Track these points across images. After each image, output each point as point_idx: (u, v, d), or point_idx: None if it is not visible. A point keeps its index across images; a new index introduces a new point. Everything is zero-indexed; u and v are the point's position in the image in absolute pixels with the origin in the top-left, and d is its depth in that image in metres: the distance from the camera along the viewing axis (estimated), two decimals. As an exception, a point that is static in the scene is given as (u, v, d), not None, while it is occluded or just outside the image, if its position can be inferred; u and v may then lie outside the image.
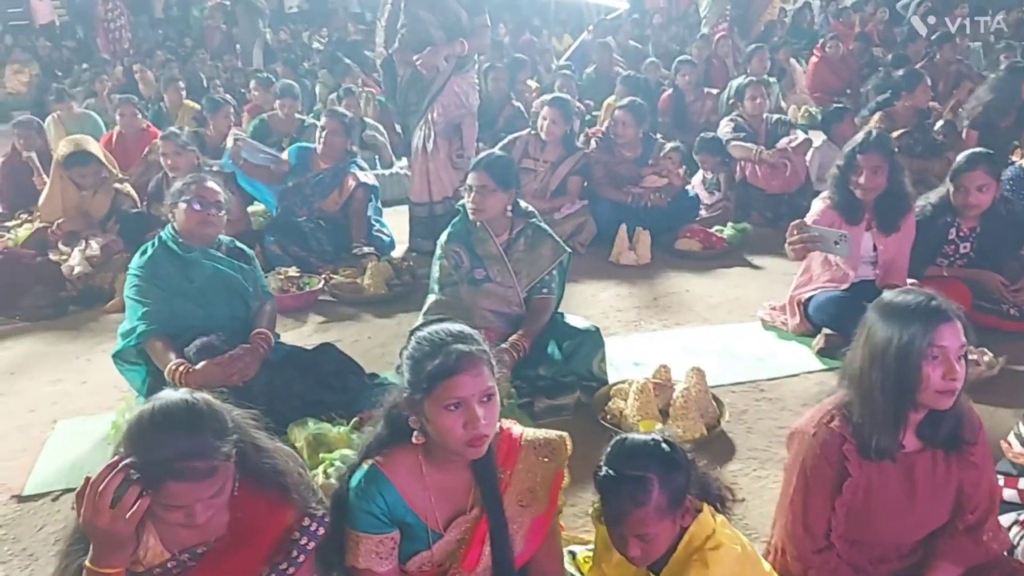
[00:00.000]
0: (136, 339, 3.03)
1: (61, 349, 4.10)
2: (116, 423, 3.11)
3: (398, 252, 5.20)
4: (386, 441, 1.84)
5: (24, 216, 5.57)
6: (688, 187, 5.58)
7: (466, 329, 1.81)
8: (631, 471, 1.73)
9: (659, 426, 2.88)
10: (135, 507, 1.54)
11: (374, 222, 5.24)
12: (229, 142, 5.14)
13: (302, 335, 4.09)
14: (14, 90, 11.82)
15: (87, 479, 1.58)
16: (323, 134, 5.03)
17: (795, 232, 3.33)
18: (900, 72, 6.37)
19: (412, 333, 3.28)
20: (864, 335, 1.87)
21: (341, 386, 3.33)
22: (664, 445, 1.77)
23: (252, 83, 7.93)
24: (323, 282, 4.58)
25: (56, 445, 3.18)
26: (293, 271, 4.62)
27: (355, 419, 3.02)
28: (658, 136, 5.68)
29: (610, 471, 1.75)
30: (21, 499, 2.86)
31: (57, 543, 2.58)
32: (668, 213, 5.25)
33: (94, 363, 3.88)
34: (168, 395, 1.64)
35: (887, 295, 1.89)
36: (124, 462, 1.56)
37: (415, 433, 1.77)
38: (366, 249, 4.94)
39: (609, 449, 1.81)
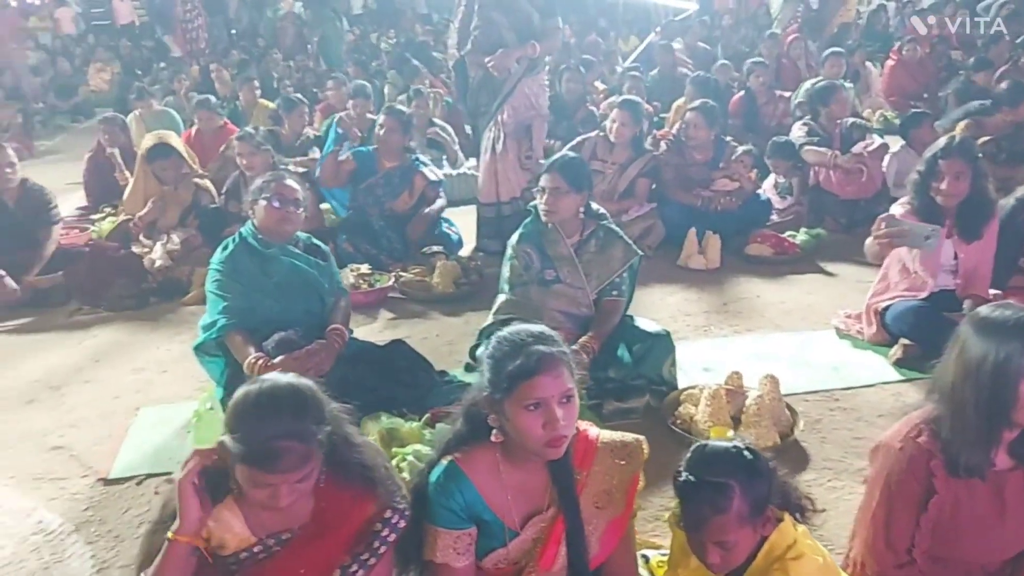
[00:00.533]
0: (217, 333, 3.12)
1: (142, 339, 4.25)
2: (199, 412, 3.22)
3: (465, 252, 5.24)
4: (465, 438, 1.86)
5: (108, 210, 5.79)
6: (759, 191, 5.50)
7: (546, 330, 1.82)
8: (712, 477, 1.72)
9: (731, 433, 2.85)
10: (192, 466, 1.64)
11: (442, 221, 5.31)
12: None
13: (373, 331, 4.16)
14: (97, 88, 12.28)
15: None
16: (381, 132, 5.11)
17: (882, 225, 3.24)
18: (1004, 86, 6.12)
19: (481, 332, 3.39)
20: (957, 349, 1.81)
21: (412, 382, 3.38)
22: (746, 452, 1.76)
23: (330, 83, 8.09)
24: (393, 280, 4.65)
25: (139, 431, 3.30)
26: (364, 268, 4.71)
27: (426, 415, 3.06)
28: (729, 139, 5.60)
29: (691, 476, 1.74)
30: (107, 482, 2.97)
31: (141, 525, 2.70)
32: (739, 217, 5.18)
33: (173, 353, 4.02)
34: (277, 377, 1.70)
35: (983, 310, 1.83)
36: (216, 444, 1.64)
37: (494, 432, 1.79)
38: (435, 248, 5.00)
39: (690, 454, 1.80)
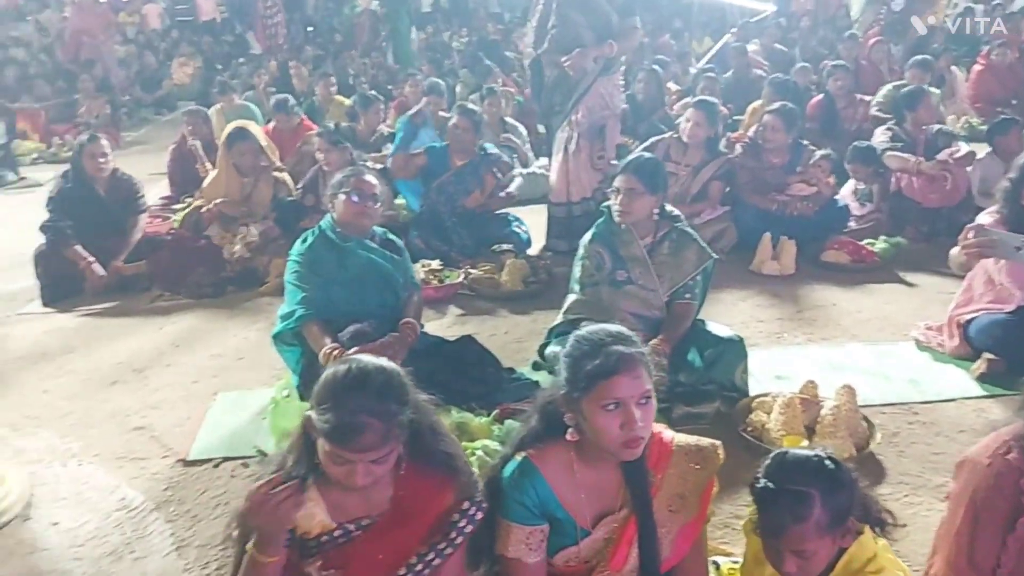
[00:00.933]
0: (295, 322, 3.19)
1: (220, 326, 4.38)
2: (275, 399, 3.30)
3: (533, 251, 5.26)
4: (539, 435, 1.87)
5: (189, 200, 5.96)
6: (837, 197, 5.37)
7: (625, 331, 1.82)
8: (793, 485, 1.69)
9: (805, 443, 2.80)
10: (287, 500, 1.65)
11: (511, 219, 5.34)
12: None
13: (442, 326, 4.20)
14: (180, 82, 12.67)
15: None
16: (454, 131, 5.15)
17: (970, 235, 3.13)
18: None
19: (551, 331, 3.39)
20: None
21: (480, 378, 3.41)
22: (829, 461, 1.72)
23: (409, 80, 8.20)
24: (463, 276, 4.69)
25: (216, 415, 3.40)
26: (435, 264, 4.76)
27: (495, 411, 3.08)
28: (806, 143, 5.49)
29: (771, 483, 1.72)
30: (186, 463, 3.07)
31: (217, 507, 2.79)
32: (815, 223, 5.07)
33: (250, 341, 4.13)
34: (366, 358, 1.74)
35: None
36: (290, 482, 1.68)
37: (570, 431, 1.79)
38: (504, 246, 5.03)
39: (770, 461, 1.78)
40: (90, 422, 3.41)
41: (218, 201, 5.15)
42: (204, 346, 4.14)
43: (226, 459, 3.08)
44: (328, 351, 3.06)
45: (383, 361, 1.75)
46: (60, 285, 4.80)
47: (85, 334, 4.36)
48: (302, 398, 3.14)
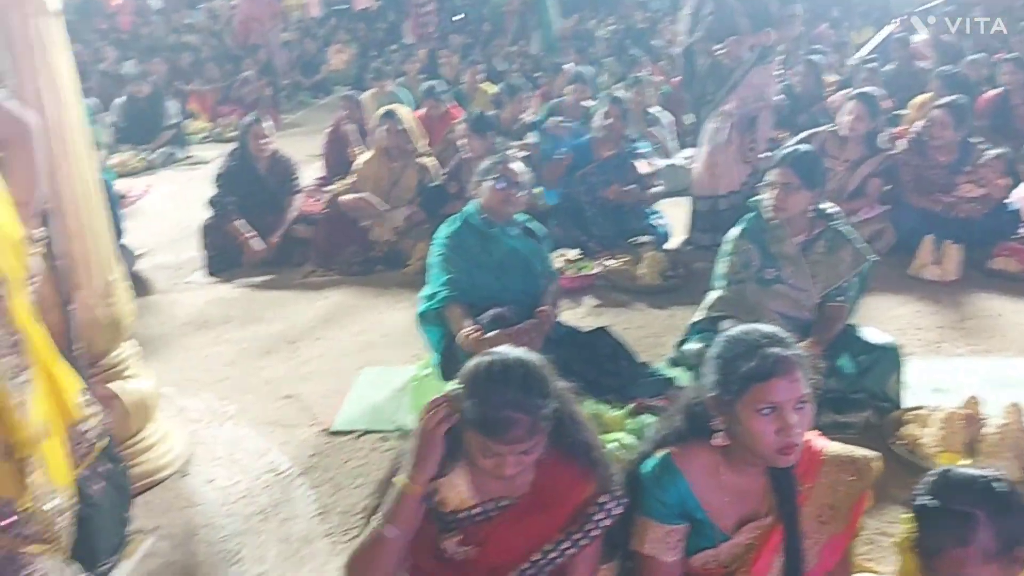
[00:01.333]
0: (438, 303, 3.27)
1: (367, 303, 4.55)
2: (417, 376, 3.40)
3: (672, 244, 5.15)
4: (682, 435, 1.83)
5: (339, 181, 6.21)
6: (1009, 200, 4.96)
7: (780, 332, 1.75)
8: (957, 506, 1.58)
9: (965, 461, 2.61)
10: (443, 418, 1.71)
11: (650, 212, 5.24)
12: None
13: (576, 316, 4.20)
14: (336, 67, 13.21)
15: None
16: (604, 120, 5.10)
17: None
18: None
19: (691, 327, 3.31)
20: None
21: (614, 370, 3.38)
22: (999, 483, 1.60)
23: (563, 68, 8.19)
24: (599, 267, 4.66)
25: (360, 389, 3.54)
26: (572, 254, 4.75)
27: (630, 405, 3.05)
28: (977, 141, 5.09)
29: (933, 502, 1.61)
30: (330, 433, 3.22)
31: (358, 477, 2.90)
32: (983, 227, 4.70)
33: (394, 319, 4.27)
34: (508, 351, 1.75)
35: None
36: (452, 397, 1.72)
37: (719, 434, 1.74)
38: (643, 238, 4.95)
39: (933, 478, 1.66)
40: (245, 388, 3.63)
41: (357, 195, 5.26)
42: (351, 322, 4.31)
43: (367, 432, 3.20)
44: (467, 332, 3.12)
45: (525, 353, 1.75)
46: (222, 257, 5.13)
47: (243, 305, 4.64)
48: (443, 377, 3.22)
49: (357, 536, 2.53)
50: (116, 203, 4.95)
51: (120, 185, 6.33)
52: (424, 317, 3.36)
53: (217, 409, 3.45)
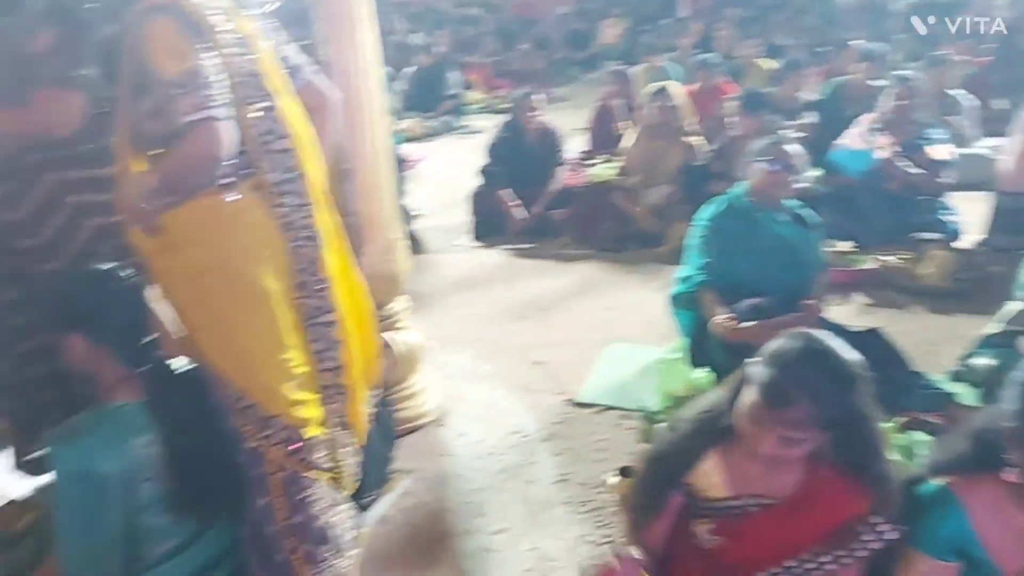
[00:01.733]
0: (693, 287, 3.19)
1: (618, 280, 4.58)
2: (664, 359, 3.36)
3: (963, 243, 4.61)
4: (968, 464, 1.64)
5: (605, 156, 6.23)
6: None
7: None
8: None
9: None
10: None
11: (941, 205, 4.73)
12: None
13: (844, 313, 3.90)
14: (607, 42, 13.25)
15: None
16: (891, 103, 4.65)
17: None
18: None
19: (984, 340, 2.95)
20: None
21: (884, 377, 3.06)
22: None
23: (849, 45, 7.60)
24: (875, 262, 4.30)
25: (606, 363, 3.56)
26: (844, 246, 4.43)
27: (900, 418, 2.79)
28: None
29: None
30: (574, 404, 3.28)
31: (599, 451, 2.94)
32: None
33: (644, 298, 4.24)
34: (830, 341, 1.67)
35: None
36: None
37: (1014, 471, 1.54)
38: (929, 235, 4.48)
39: None
40: (499, 350, 3.80)
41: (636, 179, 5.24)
42: (601, 296, 4.36)
43: (610, 408, 3.22)
44: (721, 320, 3.02)
45: (852, 353, 1.66)
46: (488, 224, 5.39)
47: (503, 270, 4.86)
48: (691, 363, 3.15)
49: (592, 510, 2.60)
50: (400, 166, 5.36)
51: (403, 149, 6.84)
52: (677, 299, 3.30)
53: (473, 367, 3.64)
